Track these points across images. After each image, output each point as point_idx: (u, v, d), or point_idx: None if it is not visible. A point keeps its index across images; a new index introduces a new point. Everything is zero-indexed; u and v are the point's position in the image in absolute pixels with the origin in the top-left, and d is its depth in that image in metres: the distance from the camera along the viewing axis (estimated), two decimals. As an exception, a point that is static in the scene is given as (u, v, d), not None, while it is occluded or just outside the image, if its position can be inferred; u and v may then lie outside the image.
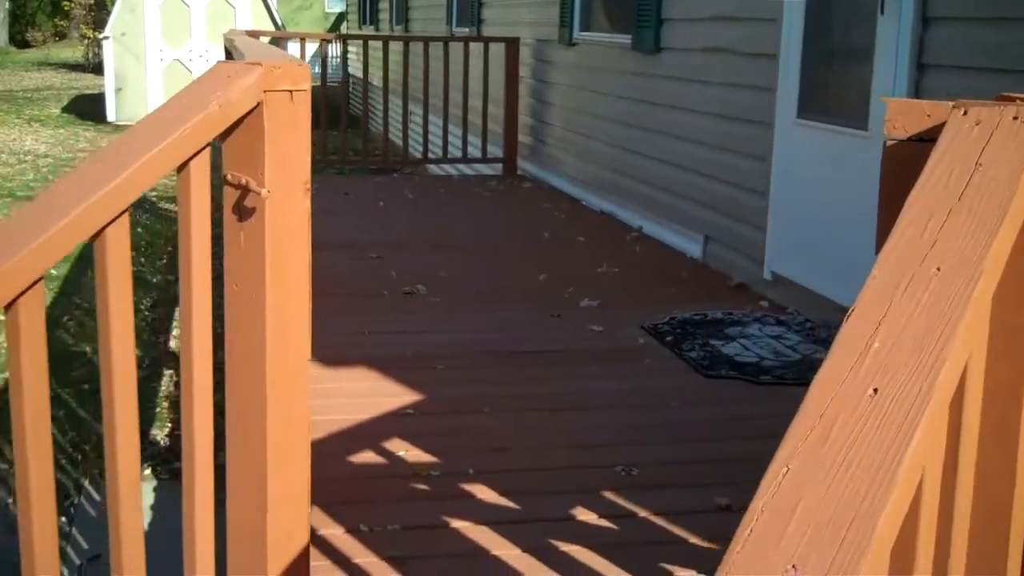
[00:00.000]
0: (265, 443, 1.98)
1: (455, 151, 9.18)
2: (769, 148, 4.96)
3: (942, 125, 1.43)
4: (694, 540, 2.72)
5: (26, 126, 16.64)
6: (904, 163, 1.45)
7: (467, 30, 11.18)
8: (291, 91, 1.92)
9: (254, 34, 8.27)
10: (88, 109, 18.87)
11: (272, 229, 1.93)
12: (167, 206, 10.79)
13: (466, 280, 5.35)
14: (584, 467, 3.16)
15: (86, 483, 4.66)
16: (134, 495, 1.83)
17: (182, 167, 1.82)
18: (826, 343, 4.30)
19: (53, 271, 8.00)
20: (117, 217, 1.72)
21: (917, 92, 3.93)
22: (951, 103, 1.44)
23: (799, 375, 3.97)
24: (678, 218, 6.03)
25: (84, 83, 24.87)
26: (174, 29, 17.58)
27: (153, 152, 1.73)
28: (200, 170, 1.84)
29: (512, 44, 8.76)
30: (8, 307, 1.62)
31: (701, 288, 5.26)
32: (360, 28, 20.61)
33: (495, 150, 9.04)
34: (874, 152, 4.12)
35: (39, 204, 1.71)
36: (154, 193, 11.42)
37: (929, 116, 1.45)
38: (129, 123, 17.22)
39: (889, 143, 1.48)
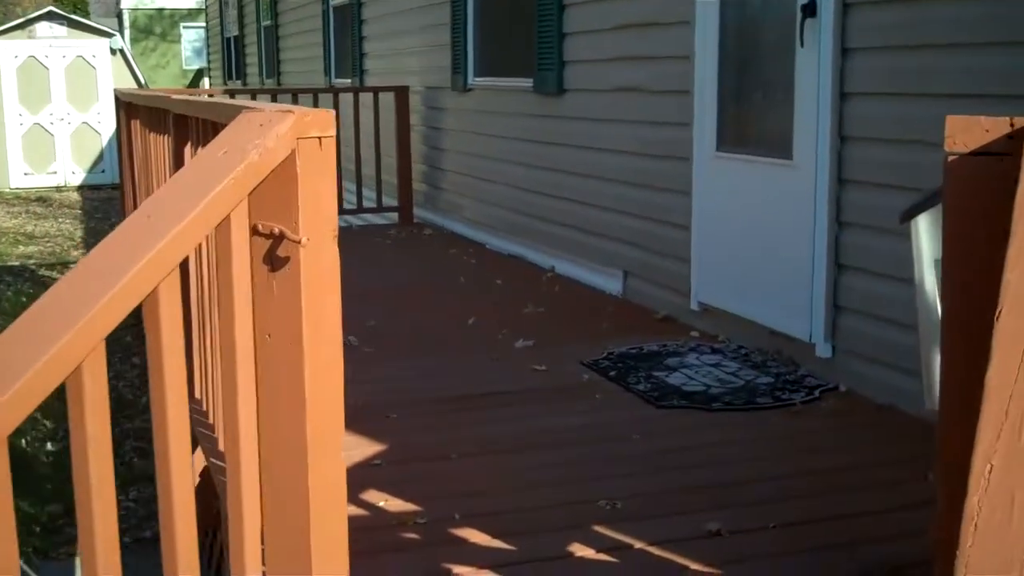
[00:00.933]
0: (307, 503, 1.93)
1: (349, 204, 9.12)
2: (689, 182, 5.08)
3: (1001, 139, 1.50)
4: (696, 567, 2.75)
5: None
6: (967, 176, 1.52)
7: (348, 81, 11.16)
8: (320, 138, 1.91)
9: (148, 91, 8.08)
10: (-58, 178, 18.14)
11: (307, 277, 1.90)
12: (47, 272, 10.44)
13: (395, 329, 5.31)
14: (567, 504, 3.17)
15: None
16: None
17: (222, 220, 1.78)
18: (764, 367, 4.43)
19: None
20: (167, 275, 1.67)
21: (840, 120, 4.10)
22: (1009, 118, 1.51)
23: (747, 399, 4.06)
24: (594, 256, 6.11)
25: (-68, 152, 23.91)
26: (33, 93, 17.07)
27: (199, 208, 1.69)
28: (240, 222, 1.80)
29: (402, 92, 8.79)
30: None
31: (629, 322, 5.33)
32: (225, 84, 20.36)
33: (390, 200, 9.02)
34: (799, 179, 4.28)
35: (86, 266, 1.64)
36: (32, 261, 11.04)
37: (988, 131, 1.52)
38: (-10, 191, 16.64)
39: (951, 158, 1.55)
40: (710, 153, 4.92)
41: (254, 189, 1.87)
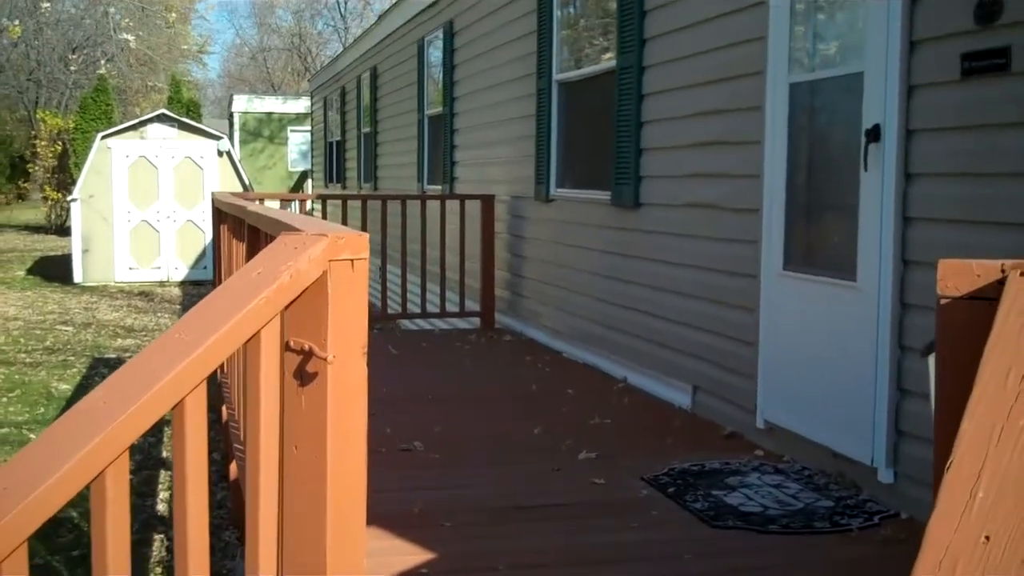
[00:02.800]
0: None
1: (432, 307, 9.29)
2: (756, 299, 5.10)
3: (993, 284, 1.53)
4: None
5: (-8, 289, 16.63)
6: (959, 319, 1.55)
7: (439, 188, 11.45)
8: (352, 260, 2.00)
9: (240, 196, 8.40)
10: (53, 271, 18.90)
11: (334, 393, 1.98)
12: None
13: (462, 434, 5.37)
14: (609, 622, 3.16)
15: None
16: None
17: (252, 336, 1.88)
18: (825, 490, 4.37)
19: (32, 435, 7.91)
20: (194, 389, 1.77)
21: (904, 244, 4.10)
22: (1000, 263, 1.54)
23: (805, 523, 4.01)
24: (664, 368, 6.12)
25: (47, 244, 24.98)
26: (142, 190, 17.79)
27: (229, 325, 1.80)
28: (271, 339, 1.90)
29: (487, 201, 8.98)
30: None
31: (694, 438, 5.32)
32: (326, 186, 20.99)
33: (472, 304, 9.17)
34: (863, 302, 4.27)
35: (118, 379, 1.75)
36: (128, 354, 11.38)
37: (979, 276, 1.55)
38: (96, 285, 17.28)
39: (943, 301, 1.58)
40: (777, 271, 4.94)
41: (288, 307, 1.97)
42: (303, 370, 1.99)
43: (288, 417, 2.01)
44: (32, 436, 7.97)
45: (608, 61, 6.99)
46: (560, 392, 6.38)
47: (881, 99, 4.19)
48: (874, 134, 4.20)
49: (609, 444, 5.13)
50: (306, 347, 1.97)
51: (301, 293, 1.96)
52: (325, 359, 1.95)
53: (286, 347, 2.00)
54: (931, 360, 2.18)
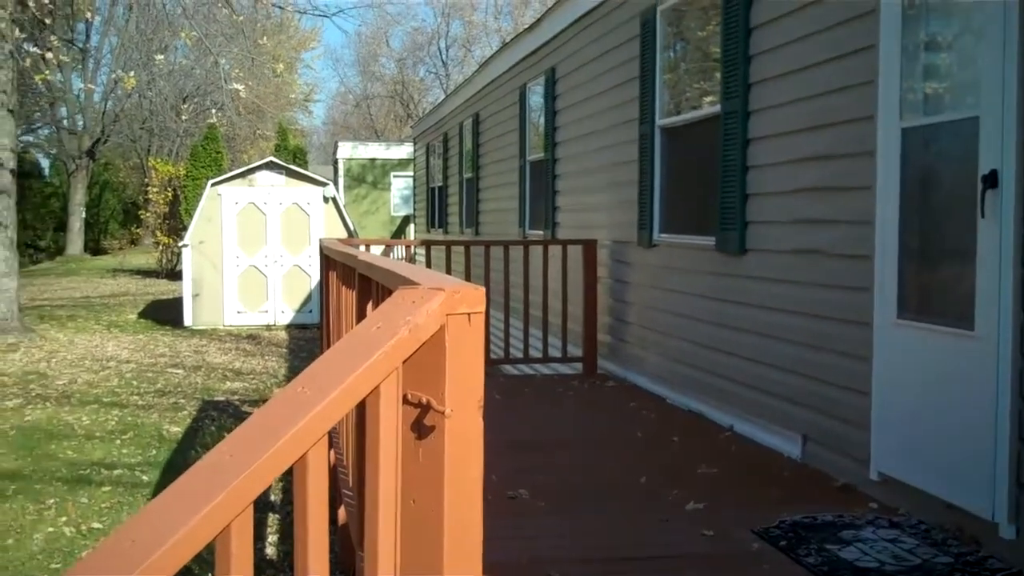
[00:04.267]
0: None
1: (535, 352, 9.30)
2: (869, 348, 4.99)
3: None
4: None
5: (106, 332, 17.13)
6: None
7: (541, 233, 11.50)
8: (469, 314, 2.02)
9: (346, 242, 8.54)
10: (164, 314, 19.41)
11: (451, 446, 1.99)
12: (249, 409, 10.95)
13: (567, 483, 5.34)
14: None
15: None
16: None
17: (371, 390, 1.90)
18: (943, 546, 4.23)
19: (145, 477, 8.10)
20: (315, 443, 1.79)
21: (1024, 292, 3.98)
22: None
23: (923, 580, 3.89)
24: (773, 417, 6.02)
25: (158, 288, 25.68)
26: (250, 236, 18.21)
27: (350, 380, 1.82)
28: (389, 393, 1.92)
29: (590, 246, 8.98)
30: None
31: (805, 489, 5.21)
32: (428, 231, 21.24)
33: (575, 349, 9.16)
34: (982, 351, 4.15)
35: (242, 434, 1.78)
36: (236, 397, 11.62)
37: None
38: (205, 328, 17.69)
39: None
40: (890, 319, 4.83)
41: (406, 360, 1.99)
42: (420, 423, 2.01)
43: (405, 470, 2.03)
44: (144, 478, 8.16)
45: (712, 106, 6.96)
46: (665, 439, 6.31)
47: (998, 144, 4.09)
48: (991, 180, 4.10)
49: (717, 494, 5.05)
50: (424, 400, 1.99)
51: (419, 347, 1.97)
52: (443, 413, 1.96)
53: (403, 400, 2.02)
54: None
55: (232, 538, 1.67)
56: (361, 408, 2.07)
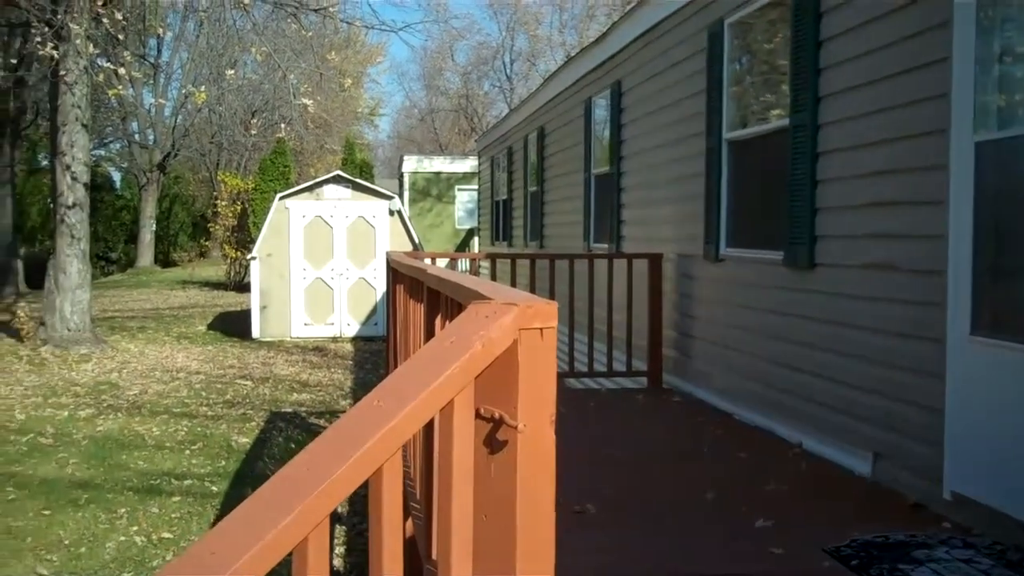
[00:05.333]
0: None
1: (599, 366, 9.28)
2: (941, 365, 4.91)
3: None
4: None
5: (176, 343, 17.40)
6: None
7: (605, 246, 11.48)
8: (541, 329, 2.02)
9: (412, 255, 8.60)
10: (232, 326, 19.67)
11: (523, 461, 2.00)
12: (316, 421, 11.05)
13: (634, 497, 5.32)
14: None
15: None
16: None
17: (446, 404, 1.91)
18: (1020, 567, 4.15)
19: (214, 488, 8.21)
20: (391, 456, 1.80)
21: (1105, 308, 3.90)
22: None
23: (999, 602, 3.81)
24: (842, 434, 5.95)
25: (226, 300, 26.02)
26: (317, 249, 18.40)
27: (425, 393, 1.83)
28: (463, 407, 1.93)
29: (655, 260, 8.95)
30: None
31: (876, 507, 5.13)
32: (492, 244, 21.31)
33: (639, 363, 9.12)
34: (1061, 369, 4.06)
35: (319, 446, 1.80)
36: (303, 408, 11.73)
37: None
38: (272, 340, 17.89)
39: None
40: (964, 336, 4.75)
41: (478, 375, 2.00)
42: (493, 438, 2.01)
43: (477, 485, 2.03)
44: (214, 488, 8.26)
45: (780, 119, 6.90)
46: (732, 456, 6.26)
47: (1077, 157, 4.01)
48: (1070, 194, 4.02)
49: (786, 512, 5.00)
50: (496, 415, 1.99)
51: (492, 361, 1.98)
52: (515, 427, 1.97)
53: (476, 414, 2.03)
54: None
55: (309, 550, 1.69)
56: (430, 421, 2.09)
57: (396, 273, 6.62)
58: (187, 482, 8.46)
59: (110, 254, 42.52)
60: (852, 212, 5.91)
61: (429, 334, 4.05)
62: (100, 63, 16.86)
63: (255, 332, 18.21)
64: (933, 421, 5.00)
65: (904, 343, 5.31)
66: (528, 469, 2.00)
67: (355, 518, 7.34)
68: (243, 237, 27.77)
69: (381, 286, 18.26)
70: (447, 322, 3.50)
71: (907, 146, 5.32)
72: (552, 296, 9.12)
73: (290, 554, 1.68)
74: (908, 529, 4.70)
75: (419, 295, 4.67)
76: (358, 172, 32.14)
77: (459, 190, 35.86)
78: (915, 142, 5.24)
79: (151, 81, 39.77)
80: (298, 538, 1.65)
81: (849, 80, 5.94)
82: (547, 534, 2.05)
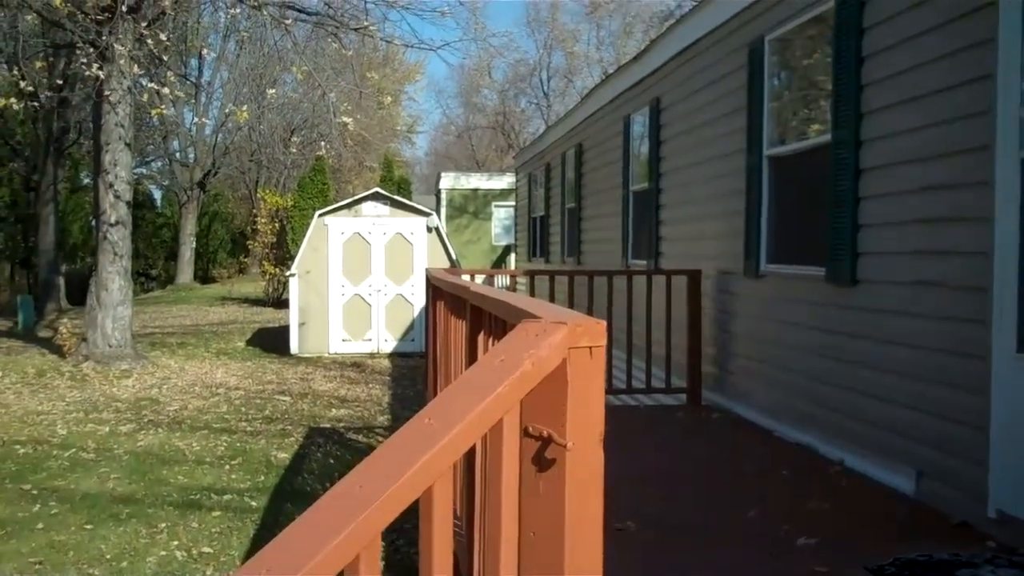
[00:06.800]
0: None
1: (638, 383, 9.26)
2: (986, 382, 4.87)
3: None
4: None
5: (216, 359, 17.53)
6: None
7: (644, 263, 11.46)
8: (590, 347, 2.03)
9: (450, 272, 8.63)
10: (271, 342, 19.80)
11: (572, 480, 2.00)
12: (355, 436, 11.09)
13: (674, 516, 5.30)
14: None
15: None
16: None
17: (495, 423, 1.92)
18: (1068, 587, 4.09)
19: (254, 503, 8.25)
20: (441, 475, 1.82)
21: None
22: None
23: (1048, 623, 3.76)
24: (885, 452, 5.90)
25: (265, 316, 26.21)
26: (355, 266, 18.51)
27: (475, 412, 1.84)
28: (512, 425, 1.94)
29: (694, 276, 8.92)
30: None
31: (920, 526, 5.08)
32: (529, 260, 21.33)
33: (679, 380, 9.09)
34: (1110, 387, 4.01)
35: (372, 464, 1.81)
36: (341, 424, 11.78)
37: None
38: (310, 356, 17.99)
39: None
40: (1010, 354, 4.71)
41: (527, 393, 2.01)
42: (542, 456, 2.02)
43: (525, 503, 2.04)
44: (253, 504, 8.31)
45: (822, 135, 6.88)
46: (773, 473, 6.22)
47: (1125, 173, 3.97)
48: (1118, 210, 3.98)
49: (828, 530, 4.96)
50: (545, 433, 2.00)
51: (541, 380, 1.99)
52: (564, 446, 1.97)
53: (524, 432, 2.03)
54: None
55: (360, 568, 1.70)
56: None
57: (436, 290, 6.66)
58: (227, 497, 8.52)
59: (150, 271, 42.97)
60: (895, 228, 5.87)
61: (471, 351, 4.07)
62: (143, 83, 17.06)
63: (293, 348, 18.32)
64: (978, 439, 4.95)
65: (948, 360, 5.27)
66: (577, 488, 2.01)
67: (394, 534, 7.36)
68: (282, 254, 27.97)
69: (418, 302, 18.33)
70: (490, 339, 3.51)
71: (951, 162, 5.29)
72: (590, 313, 9.10)
73: (342, 572, 1.70)
74: (952, 548, 4.65)
75: (461, 312, 4.69)
76: (396, 189, 32.31)
77: (496, 206, 35.95)
78: (959, 158, 5.21)
79: (192, 100, 40.21)
80: (351, 556, 1.67)
81: (892, 96, 5.91)
82: (595, 551, 2.05)
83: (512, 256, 29.01)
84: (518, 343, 1.99)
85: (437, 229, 18.85)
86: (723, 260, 8.79)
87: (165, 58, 16.30)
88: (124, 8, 14.88)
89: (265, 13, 15.72)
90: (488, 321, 3.50)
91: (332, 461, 9.80)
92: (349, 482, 1.74)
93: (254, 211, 32.76)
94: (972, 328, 5.03)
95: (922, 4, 5.58)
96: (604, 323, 2.07)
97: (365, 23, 16.71)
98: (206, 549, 7.20)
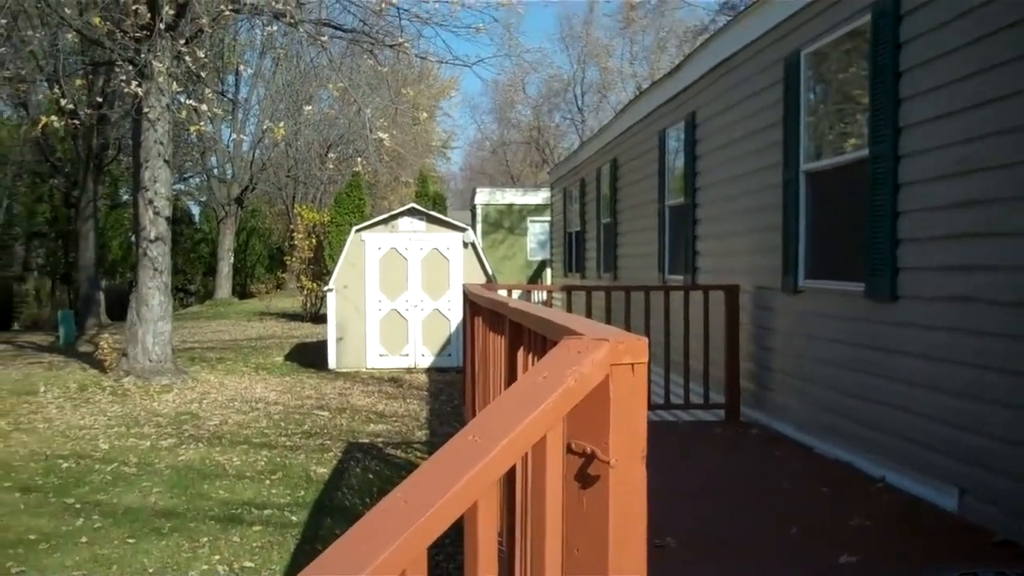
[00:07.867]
0: None
1: (676, 398, 9.23)
2: (1030, 398, 4.83)
3: None
4: None
5: (254, 374, 17.65)
6: None
7: (680, 278, 11.44)
8: (632, 364, 2.04)
9: (487, 287, 8.66)
10: (309, 357, 19.91)
11: (615, 496, 2.01)
12: (393, 451, 11.13)
13: (715, 532, 5.29)
14: None
15: None
16: None
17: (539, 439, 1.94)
18: (1115, 606, 4.04)
19: (294, 518, 8.30)
20: (486, 491, 1.83)
21: None
22: None
23: (1095, 642, 3.72)
24: (927, 469, 5.85)
25: (303, 331, 26.35)
26: (392, 281, 18.58)
27: (520, 428, 1.85)
28: (555, 442, 1.95)
29: (732, 291, 8.90)
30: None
31: (963, 543, 5.04)
32: (565, 276, 21.33)
33: (717, 396, 9.06)
34: None
35: (417, 479, 1.83)
36: (380, 439, 11.81)
37: None
38: (348, 371, 18.06)
39: None
40: (1053, 369, 4.67)
41: (570, 410, 2.02)
42: (585, 473, 2.03)
43: (568, 519, 2.05)
44: (294, 518, 8.36)
45: (859, 150, 6.85)
46: (814, 490, 6.19)
47: None
48: None
49: (870, 547, 4.93)
50: (588, 450, 2.01)
51: (584, 397, 2.00)
52: (607, 463, 1.98)
53: (567, 449, 2.05)
54: None
55: (408, 583, 1.72)
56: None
57: (474, 305, 6.69)
58: (267, 512, 8.57)
59: (189, 286, 43.35)
60: (935, 243, 5.84)
61: (511, 367, 4.08)
62: (181, 100, 17.27)
63: (331, 363, 18.41)
64: (1020, 455, 4.91)
65: (990, 376, 5.23)
66: (620, 504, 2.02)
67: (431, 549, 7.36)
68: (319, 269, 28.14)
69: (455, 317, 18.37)
70: (530, 355, 3.53)
71: (991, 176, 5.26)
72: (627, 328, 9.10)
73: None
74: (996, 566, 4.60)
75: (499, 328, 4.71)
76: (431, 204, 32.46)
77: (531, 222, 36.00)
78: (999, 172, 5.18)
79: (230, 117, 40.58)
80: (397, 572, 1.68)
81: (930, 111, 5.88)
82: (639, 568, 2.06)
83: (548, 271, 29.03)
84: (561, 360, 2.01)
85: (473, 244, 18.90)
86: (760, 275, 8.76)
87: (203, 75, 16.46)
88: (162, 26, 15.07)
89: (301, 30, 15.87)
90: (528, 337, 3.52)
91: (371, 476, 9.83)
92: (394, 498, 1.75)
93: (291, 227, 32.97)
94: (1014, 343, 4.99)
95: (958, 18, 5.55)
96: (646, 340, 2.08)
97: (400, 40, 16.81)
98: (247, 564, 7.24)
